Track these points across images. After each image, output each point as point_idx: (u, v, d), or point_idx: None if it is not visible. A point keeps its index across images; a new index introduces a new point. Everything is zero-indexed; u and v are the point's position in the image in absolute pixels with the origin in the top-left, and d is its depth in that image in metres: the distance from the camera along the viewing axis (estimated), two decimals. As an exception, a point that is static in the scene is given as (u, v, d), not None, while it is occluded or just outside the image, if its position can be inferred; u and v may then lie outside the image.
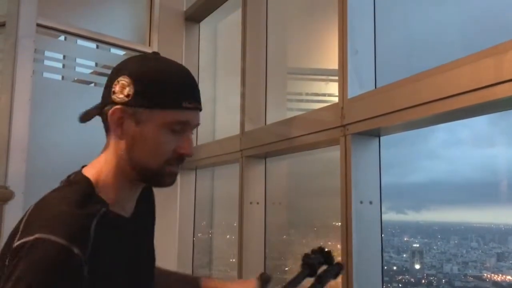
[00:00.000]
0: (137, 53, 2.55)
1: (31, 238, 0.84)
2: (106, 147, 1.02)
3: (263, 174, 2.23)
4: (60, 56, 2.38)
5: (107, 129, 1.01)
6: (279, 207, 2.25)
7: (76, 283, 0.85)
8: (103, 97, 1.00)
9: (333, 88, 1.79)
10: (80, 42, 2.37)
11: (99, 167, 1.00)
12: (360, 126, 1.56)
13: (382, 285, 1.55)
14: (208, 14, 2.69)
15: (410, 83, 1.40)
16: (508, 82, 1.12)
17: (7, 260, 0.85)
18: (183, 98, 0.97)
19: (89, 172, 0.99)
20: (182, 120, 0.97)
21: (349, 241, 1.52)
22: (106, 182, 0.99)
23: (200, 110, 1.01)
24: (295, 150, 2.02)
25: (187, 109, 0.97)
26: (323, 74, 2.35)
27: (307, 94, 2.45)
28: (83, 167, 1.03)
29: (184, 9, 2.74)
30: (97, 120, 2.47)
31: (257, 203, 2.19)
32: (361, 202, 1.57)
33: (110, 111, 0.96)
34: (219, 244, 2.87)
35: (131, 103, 0.95)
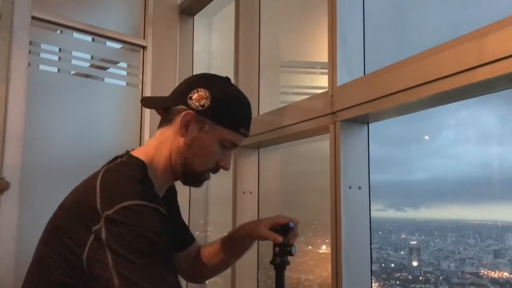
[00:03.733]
0: (132, 46, 2.58)
1: (125, 204, 0.96)
2: (159, 137, 1.17)
3: (256, 164, 2.25)
4: (56, 49, 2.40)
5: (167, 122, 1.17)
6: (272, 197, 2.27)
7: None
8: (177, 96, 1.17)
9: (326, 80, 1.81)
10: (76, 35, 2.39)
11: (150, 153, 1.15)
12: (349, 112, 1.59)
13: (371, 268, 1.57)
14: (202, 8, 2.71)
15: (396, 69, 1.43)
16: (489, 64, 1.15)
17: (95, 228, 0.95)
18: (242, 125, 1.17)
19: (141, 156, 1.13)
20: (234, 141, 1.17)
21: (338, 224, 1.55)
22: (155, 168, 1.15)
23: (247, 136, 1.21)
24: (287, 139, 2.04)
25: (241, 134, 1.18)
26: (317, 67, 2.37)
27: (298, 87, 2.48)
28: (129, 151, 1.18)
29: (178, 3, 2.77)
30: (92, 113, 2.53)
31: (250, 192, 2.22)
32: (350, 187, 1.60)
33: (184, 112, 1.13)
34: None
35: (203, 113, 1.13)
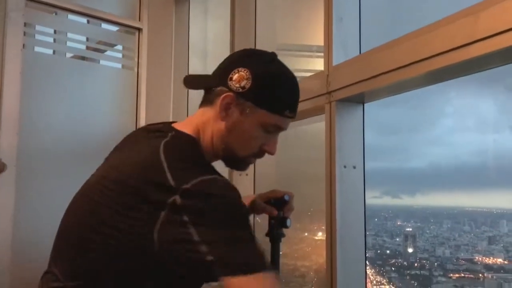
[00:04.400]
0: (127, 28, 2.57)
1: (202, 178, 0.94)
2: (200, 117, 1.12)
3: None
4: (51, 31, 2.39)
5: (208, 102, 1.11)
6: (268, 179, 2.28)
7: None
8: (217, 76, 1.11)
9: (322, 63, 1.80)
10: (71, 16, 2.38)
11: (196, 131, 1.11)
12: (344, 92, 1.59)
13: (365, 247, 1.59)
14: (198, -10, 2.70)
15: (391, 47, 1.43)
16: (483, 40, 1.15)
17: (170, 200, 0.91)
18: (287, 107, 1.09)
19: (190, 133, 1.09)
20: (279, 125, 1.09)
21: (333, 203, 1.56)
22: (203, 147, 1.10)
23: (294, 118, 1.13)
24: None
25: (286, 117, 1.09)
26: (313, 49, 2.37)
27: (295, 70, 2.46)
28: (171, 122, 1.13)
29: (174, -15, 2.75)
30: (88, 95, 2.52)
31: (246, 174, 2.23)
32: (345, 167, 1.60)
33: (224, 95, 1.06)
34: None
35: (244, 95, 1.06)
